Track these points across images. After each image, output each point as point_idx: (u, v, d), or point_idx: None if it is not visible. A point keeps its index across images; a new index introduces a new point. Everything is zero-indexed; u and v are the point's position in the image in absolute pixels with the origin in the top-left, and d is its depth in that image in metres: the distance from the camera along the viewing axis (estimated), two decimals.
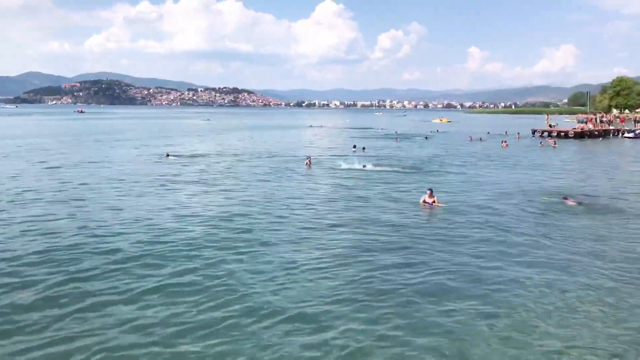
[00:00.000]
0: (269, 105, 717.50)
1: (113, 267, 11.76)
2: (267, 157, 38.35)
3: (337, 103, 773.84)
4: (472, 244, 14.12)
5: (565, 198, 20.33)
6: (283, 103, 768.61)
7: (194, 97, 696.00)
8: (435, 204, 18.94)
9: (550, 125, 69.61)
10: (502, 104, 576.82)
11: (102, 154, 38.56)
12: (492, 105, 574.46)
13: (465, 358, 7.88)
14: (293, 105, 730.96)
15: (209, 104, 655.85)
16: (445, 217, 17.57)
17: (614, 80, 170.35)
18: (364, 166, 31.22)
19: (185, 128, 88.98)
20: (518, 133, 64.99)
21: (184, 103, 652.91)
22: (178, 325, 8.83)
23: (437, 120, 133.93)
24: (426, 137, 63.24)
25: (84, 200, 19.91)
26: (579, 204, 19.71)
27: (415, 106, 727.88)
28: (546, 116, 77.88)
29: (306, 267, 11.94)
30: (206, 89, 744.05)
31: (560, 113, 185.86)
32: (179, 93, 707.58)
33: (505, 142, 50.71)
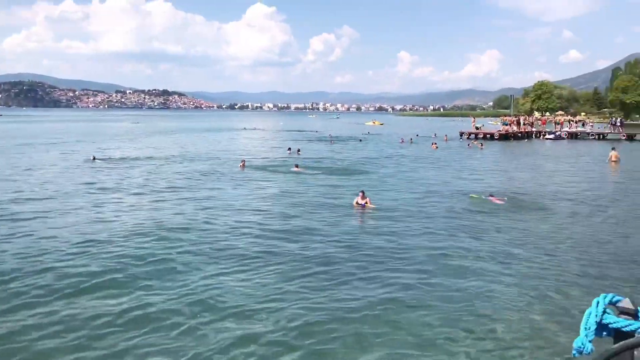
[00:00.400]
0: (201, 107, 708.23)
1: (32, 269, 11.14)
2: (200, 160, 37.67)
3: (271, 105, 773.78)
4: (403, 243, 14.40)
5: (492, 196, 21.12)
6: (215, 105, 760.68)
7: (122, 100, 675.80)
8: (368, 205, 19.18)
9: (476, 128, 72.20)
10: (432, 107, 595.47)
11: (22, 159, 36.68)
12: (421, 108, 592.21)
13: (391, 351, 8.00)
14: (226, 108, 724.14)
15: (138, 106, 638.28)
16: (377, 217, 17.83)
17: (535, 84, 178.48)
18: (297, 166, 31.23)
19: (113, 131, 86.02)
20: (446, 135, 66.85)
21: (112, 105, 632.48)
22: (99, 328, 8.47)
23: (370, 123, 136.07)
24: (360, 140, 64.05)
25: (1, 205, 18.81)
26: (505, 201, 20.51)
27: (348, 109, 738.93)
28: (472, 119, 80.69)
29: (235, 269, 11.78)
30: (135, 91, 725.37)
31: (486, 116, 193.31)
32: (106, 95, 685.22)
33: (435, 144, 52.10)
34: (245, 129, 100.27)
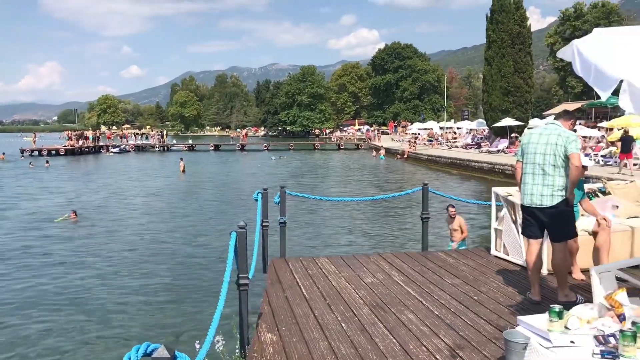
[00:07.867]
0: None
1: None
2: None
3: None
4: None
5: (74, 213, 20.14)
6: None
7: None
8: None
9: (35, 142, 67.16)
10: None
11: None
12: None
13: None
14: None
15: None
16: None
17: (99, 98, 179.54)
18: None
19: None
20: (3, 153, 59.58)
21: None
22: None
23: None
24: None
25: None
26: (77, 220, 19.67)
27: None
28: (33, 135, 74.41)
29: None
30: None
31: (52, 131, 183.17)
32: None
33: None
34: None
